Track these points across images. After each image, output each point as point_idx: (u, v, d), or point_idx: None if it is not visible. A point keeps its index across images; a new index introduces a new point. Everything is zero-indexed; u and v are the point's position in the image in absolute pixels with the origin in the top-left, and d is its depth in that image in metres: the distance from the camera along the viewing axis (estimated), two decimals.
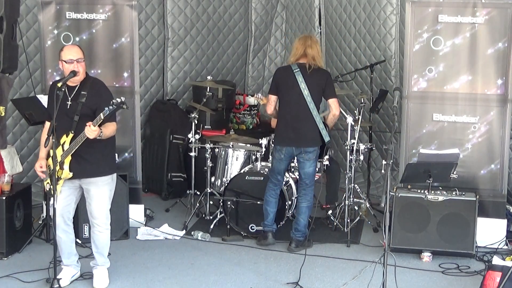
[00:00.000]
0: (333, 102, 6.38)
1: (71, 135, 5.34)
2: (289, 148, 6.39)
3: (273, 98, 6.49)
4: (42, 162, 5.49)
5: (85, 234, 6.51)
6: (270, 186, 6.57)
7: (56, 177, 5.40)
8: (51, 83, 5.82)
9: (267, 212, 6.55)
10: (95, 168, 5.44)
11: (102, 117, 5.17)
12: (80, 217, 6.37)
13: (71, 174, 5.38)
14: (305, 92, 6.28)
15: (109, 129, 5.34)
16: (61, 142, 5.37)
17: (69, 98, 5.39)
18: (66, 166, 5.36)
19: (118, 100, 5.17)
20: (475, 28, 6.56)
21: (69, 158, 5.36)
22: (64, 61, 5.38)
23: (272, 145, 6.80)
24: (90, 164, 5.41)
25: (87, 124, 5.18)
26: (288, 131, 6.37)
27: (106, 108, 5.16)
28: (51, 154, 5.39)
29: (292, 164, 6.95)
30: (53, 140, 5.26)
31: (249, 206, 6.77)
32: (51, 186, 5.38)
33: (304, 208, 6.47)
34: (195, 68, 9.18)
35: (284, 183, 6.82)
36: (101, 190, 5.51)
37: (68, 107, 5.38)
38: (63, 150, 5.37)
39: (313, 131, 6.35)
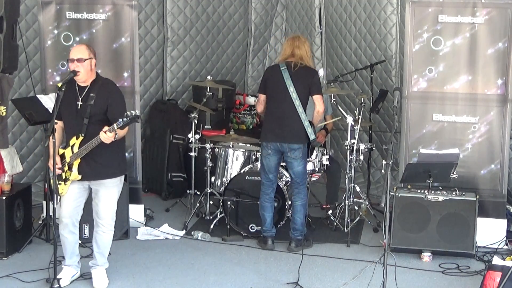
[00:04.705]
0: (317, 99, 6.37)
1: (81, 138, 5.30)
2: (274, 144, 6.37)
3: (262, 97, 6.50)
4: (57, 159, 5.36)
5: (85, 234, 6.49)
6: (263, 190, 6.51)
7: (64, 177, 5.40)
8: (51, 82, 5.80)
9: (264, 218, 6.52)
10: (106, 169, 5.41)
11: (116, 128, 5.12)
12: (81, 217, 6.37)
13: (79, 177, 5.37)
14: (291, 89, 6.28)
15: (123, 130, 5.29)
16: (71, 143, 5.34)
17: (80, 99, 5.35)
18: (75, 168, 5.34)
19: (133, 113, 5.11)
20: (475, 28, 6.56)
21: (78, 160, 5.33)
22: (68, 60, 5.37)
23: None
24: (100, 165, 5.38)
25: (103, 130, 5.13)
26: (274, 128, 6.37)
27: (120, 120, 5.10)
28: (53, 154, 5.34)
29: None
30: (53, 140, 5.23)
31: (249, 206, 6.76)
32: (54, 185, 5.36)
33: (299, 207, 6.46)
34: (195, 68, 9.17)
35: (284, 183, 6.83)
36: (109, 191, 5.48)
37: (79, 107, 5.35)
38: (72, 151, 5.35)
39: (298, 128, 6.33)
